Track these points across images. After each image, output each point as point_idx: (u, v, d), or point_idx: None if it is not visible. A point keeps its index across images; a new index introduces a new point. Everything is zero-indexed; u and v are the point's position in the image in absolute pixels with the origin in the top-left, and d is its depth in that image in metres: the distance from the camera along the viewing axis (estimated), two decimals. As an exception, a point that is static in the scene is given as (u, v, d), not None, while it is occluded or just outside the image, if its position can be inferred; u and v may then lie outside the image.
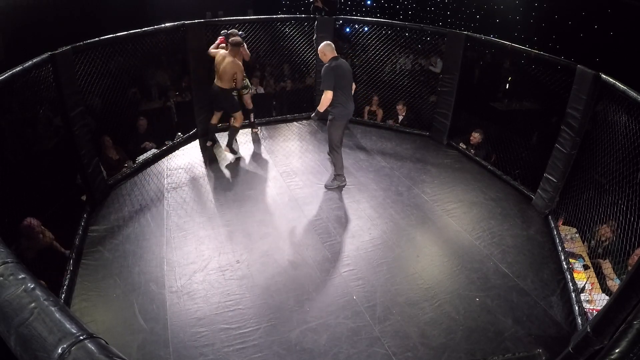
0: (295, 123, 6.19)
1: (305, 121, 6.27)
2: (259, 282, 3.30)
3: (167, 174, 4.80)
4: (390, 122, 6.34)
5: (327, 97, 4.06)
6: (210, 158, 5.18)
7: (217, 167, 4.97)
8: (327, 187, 4.57)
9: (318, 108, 4.19)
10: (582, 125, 3.79)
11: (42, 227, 3.44)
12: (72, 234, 3.66)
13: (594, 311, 3.00)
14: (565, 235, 3.89)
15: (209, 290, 3.20)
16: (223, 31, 5.12)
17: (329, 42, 4.24)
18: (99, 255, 3.54)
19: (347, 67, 4.21)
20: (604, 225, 3.55)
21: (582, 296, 3.20)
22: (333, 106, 4.17)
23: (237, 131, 5.24)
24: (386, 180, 4.78)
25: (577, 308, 3.12)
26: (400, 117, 6.25)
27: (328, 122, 4.31)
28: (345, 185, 4.58)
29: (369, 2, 10.47)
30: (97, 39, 4.00)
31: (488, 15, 8.70)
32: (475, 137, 5.39)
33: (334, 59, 4.12)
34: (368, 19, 6.29)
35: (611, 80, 3.42)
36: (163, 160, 5.09)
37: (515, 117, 6.20)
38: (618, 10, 6.60)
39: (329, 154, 4.61)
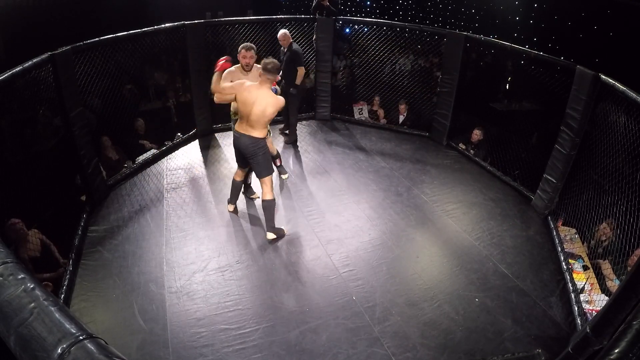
0: (295, 123, 6.18)
1: (304, 122, 6.27)
2: (258, 282, 3.30)
3: (166, 175, 4.80)
4: (383, 121, 6.34)
5: (303, 72, 5.03)
6: (210, 159, 5.18)
7: (217, 168, 4.97)
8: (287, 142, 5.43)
9: (296, 82, 5.01)
10: (581, 125, 3.79)
11: (28, 230, 3.32)
12: (71, 234, 3.66)
13: (594, 312, 3.00)
14: (565, 236, 3.89)
15: (208, 290, 3.20)
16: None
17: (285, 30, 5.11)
18: (99, 255, 3.54)
19: None
20: (604, 224, 3.55)
21: (582, 297, 3.20)
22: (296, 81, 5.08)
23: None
24: (386, 180, 4.78)
25: (576, 308, 3.12)
26: (402, 117, 6.25)
27: (290, 95, 5.05)
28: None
29: (368, 2, 10.47)
30: (97, 39, 4.00)
31: (488, 16, 8.69)
32: (477, 134, 5.39)
33: (293, 44, 5.07)
34: (367, 19, 6.29)
35: (611, 80, 3.41)
36: (162, 160, 5.09)
37: (514, 117, 6.20)
38: (618, 11, 6.59)
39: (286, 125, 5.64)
